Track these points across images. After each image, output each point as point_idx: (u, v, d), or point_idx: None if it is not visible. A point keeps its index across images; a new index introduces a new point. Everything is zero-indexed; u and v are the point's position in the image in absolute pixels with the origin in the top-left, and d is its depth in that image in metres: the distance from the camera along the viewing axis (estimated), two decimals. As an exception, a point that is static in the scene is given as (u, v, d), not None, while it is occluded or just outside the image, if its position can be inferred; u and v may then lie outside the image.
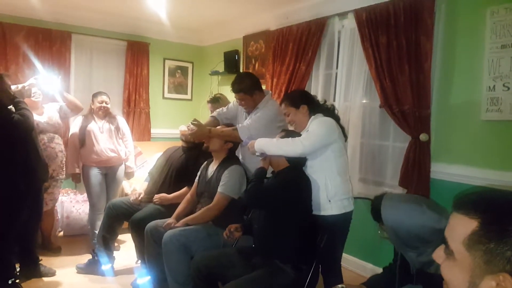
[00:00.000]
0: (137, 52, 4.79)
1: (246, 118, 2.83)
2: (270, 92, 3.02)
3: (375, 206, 1.65)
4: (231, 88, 2.77)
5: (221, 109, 3.09)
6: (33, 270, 3.02)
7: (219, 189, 2.50)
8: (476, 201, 0.72)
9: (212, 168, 2.70)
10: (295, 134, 2.25)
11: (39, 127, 3.15)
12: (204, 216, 2.51)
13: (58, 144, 3.38)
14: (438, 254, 0.78)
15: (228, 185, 2.50)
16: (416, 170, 2.70)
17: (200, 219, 2.52)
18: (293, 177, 2.15)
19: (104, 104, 3.49)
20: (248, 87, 2.71)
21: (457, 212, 0.74)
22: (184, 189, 2.97)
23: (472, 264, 0.69)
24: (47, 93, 3.33)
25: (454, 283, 0.74)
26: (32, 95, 3.15)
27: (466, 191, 0.76)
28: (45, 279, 3.00)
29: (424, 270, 1.51)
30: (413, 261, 1.56)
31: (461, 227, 0.72)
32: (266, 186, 2.20)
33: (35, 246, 3.09)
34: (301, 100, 2.32)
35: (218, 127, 2.77)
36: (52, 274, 3.09)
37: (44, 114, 3.33)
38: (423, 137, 2.66)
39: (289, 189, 2.07)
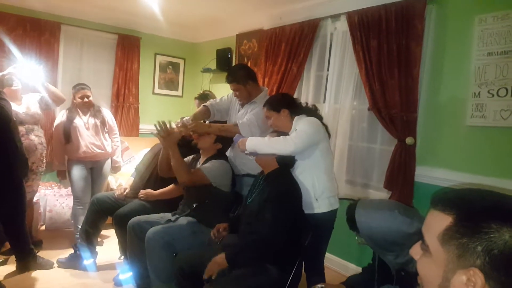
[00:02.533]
0: (128, 46, 4.75)
1: (238, 111, 2.82)
2: (267, 89, 3.01)
3: (350, 215, 1.66)
4: (225, 79, 2.77)
5: (214, 100, 3.06)
6: (29, 263, 2.98)
7: (200, 167, 2.49)
8: (452, 198, 0.74)
9: (198, 164, 2.69)
10: (286, 134, 2.25)
11: (17, 118, 3.03)
12: (171, 189, 2.65)
13: (38, 136, 3.25)
14: (415, 250, 0.80)
15: (210, 169, 2.47)
16: (401, 173, 2.74)
17: (166, 191, 2.67)
18: (285, 189, 2.12)
19: (86, 99, 3.38)
20: (241, 77, 2.71)
21: (434, 209, 0.76)
22: (171, 186, 2.95)
23: (446, 259, 0.70)
24: (27, 82, 3.23)
25: (428, 278, 0.75)
26: (12, 83, 3.06)
27: (444, 189, 0.78)
28: (26, 274, 2.95)
29: (404, 269, 1.53)
30: (392, 263, 1.59)
31: (436, 222, 0.74)
32: (261, 214, 2.08)
33: (27, 238, 3.02)
34: (281, 104, 2.34)
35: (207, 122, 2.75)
36: (50, 266, 3.05)
37: (23, 105, 3.20)
38: (409, 140, 2.69)
39: (284, 204, 2.05)
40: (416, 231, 1.47)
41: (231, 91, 2.86)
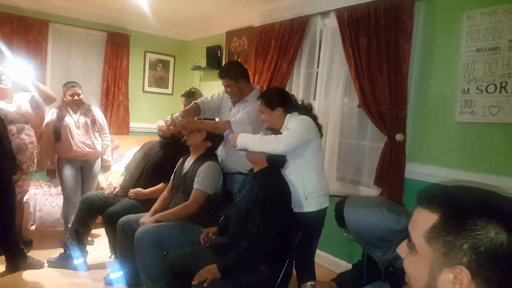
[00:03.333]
0: (117, 43, 4.69)
1: (230, 110, 2.80)
2: (258, 87, 3.00)
3: (338, 212, 1.67)
4: (218, 74, 2.75)
5: (205, 97, 3.04)
6: (19, 262, 2.95)
7: (195, 185, 2.47)
8: (438, 196, 0.74)
9: (188, 163, 2.67)
10: (279, 133, 2.23)
11: (8, 117, 3.02)
12: (180, 213, 2.47)
13: (28, 136, 3.23)
14: (402, 249, 0.80)
15: (204, 181, 2.47)
16: (391, 169, 2.75)
17: (176, 215, 2.47)
18: (274, 189, 2.10)
19: (76, 97, 3.35)
20: (233, 74, 2.69)
21: (420, 206, 0.75)
22: (161, 185, 2.93)
23: (432, 257, 0.70)
24: (17, 82, 3.20)
25: (415, 276, 0.75)
26: (1, 82, 3.03)
27: (429, 186, 0.78)
28: (16, 273, 2.91)
29: (392, 265, 1.53)
30: (380, 259, 1.60)
31: (422, 220, 0.73)
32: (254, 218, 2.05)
33: (17, 238, 3.00)
34: (277, 101, 2.31)
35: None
36: (40, 266, 3.02)
37: (13, 103, 3.18)
38: (398, 137, 2.70)
39: (273, 204, 2.04)
40: (403, 228, 1.48)
41: (222, 89, 2.84)
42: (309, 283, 1.62)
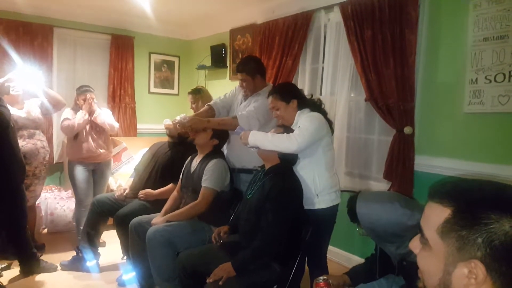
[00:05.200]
0: (121, 46, 4.72)
1: (241, 103, 2.79)
2: (272, 85, 2.99)
3: (351, 207, 1.66)
4: (236, 68, 2.75)
5: (218, 98, 3.03)
6: (33, 266, 2.98)
7: (203, 184, 2.48)
8: (450, 190, 0.73)
9: (196, 162, 2.68)
10: (292, 131, 2.20)
11: (18, 123, 3.06)
12: (190, 212, 2.48)
13: (39, 141, 3.27)
14: (414, 244, 0.79)
15: (211, 178, 2.48)
16: (400, 163, 2.73)
17: (186, 215, 2.48)
18: (286, 186, 2.08)
19: (90, 101, 3.37)
20: (251, 69, 2.69)
21: (432, 201, 0.74)
22: (170, 185, 2.94)
23: (446, 252, 0.69)
24: (28, 89, 3.24)
25: (429, 271, 0.74)
26: (11, 89, 3.07)
27: (441, 181, 0.77)
28: (30, 277, 2.95)
29: (405, 259, 1.52)
30: (393, 254, 1.59)
31: (435, 215, 0.72)
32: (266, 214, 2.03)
33: (29, 242, 3.03)
34: (291, 94, 2.29)
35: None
36: (54, 269, 3.06)
37: (24, 109, 3.23)
38: (407, 130, 2.68)
39: (285, 202, 2.03)
40: (417, 223, 1.47)
41: (229, 88, 2.84)
42: (321, 277, 1.62)
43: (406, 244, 1.45)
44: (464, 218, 0.68)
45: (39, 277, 2.97)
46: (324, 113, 2.30)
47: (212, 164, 2.52)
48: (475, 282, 0.65)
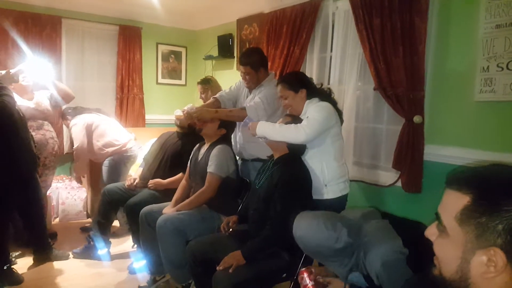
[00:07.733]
0: (129, 36, 4.72)
1: (247, 97, 2.81)
2: (273, 73, 2.99)
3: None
4: (239, 61, 2.73)
5: (223, 90, 3.04)
6: (46, 255, 3.06)
7: (209, 169, 2.50)
8: (469, 177, 0.72)
9: (203, 150, 2.70)
10: (300, 120, 2.20)
11: (27, 113, 3.05)
12: (199, 200, 2.51)
13: (48, 131, 3.32)
14: (431, 232, 0.77)
15: (216, 164, 2.49)
16: (409, 152, 2.71)
17: (195, 203, 2.51)
18: (295, 175, 2.09)
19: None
20: (255, 62, 2.69)
21: (450, 188, 0.73)
22: (179, 175, 2.97)
23: (464, 239, 0.68)
24: (37, 80, 3.27)
25: (446, 259, 0.73)
26: (22, 79, 3.09)
27: (458, 168, 0.76)
28: (44, 265, 3.02)
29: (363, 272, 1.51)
30: (338, 271, 1.57)
31: (453, 202, 0.71)
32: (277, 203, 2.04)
33: (45, 231, 3.10)
34: (300, 83, 2.28)
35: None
36: (66, 257, 3.14)
37: (34, 100, 3.26)
38: (416, 119, 2.65)
39: (294, 191, 2.05)
40: (345, 246, 1.49)
41: (236, 79, 2.84)
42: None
43: (345, 262, 1.49)
44: (483, 204, 0.66)
45: (52, 264, 3.04)
46: (333, 103, 2.29)
47: (216, 150, 2.54)
48: (495, 270, 0.64)
